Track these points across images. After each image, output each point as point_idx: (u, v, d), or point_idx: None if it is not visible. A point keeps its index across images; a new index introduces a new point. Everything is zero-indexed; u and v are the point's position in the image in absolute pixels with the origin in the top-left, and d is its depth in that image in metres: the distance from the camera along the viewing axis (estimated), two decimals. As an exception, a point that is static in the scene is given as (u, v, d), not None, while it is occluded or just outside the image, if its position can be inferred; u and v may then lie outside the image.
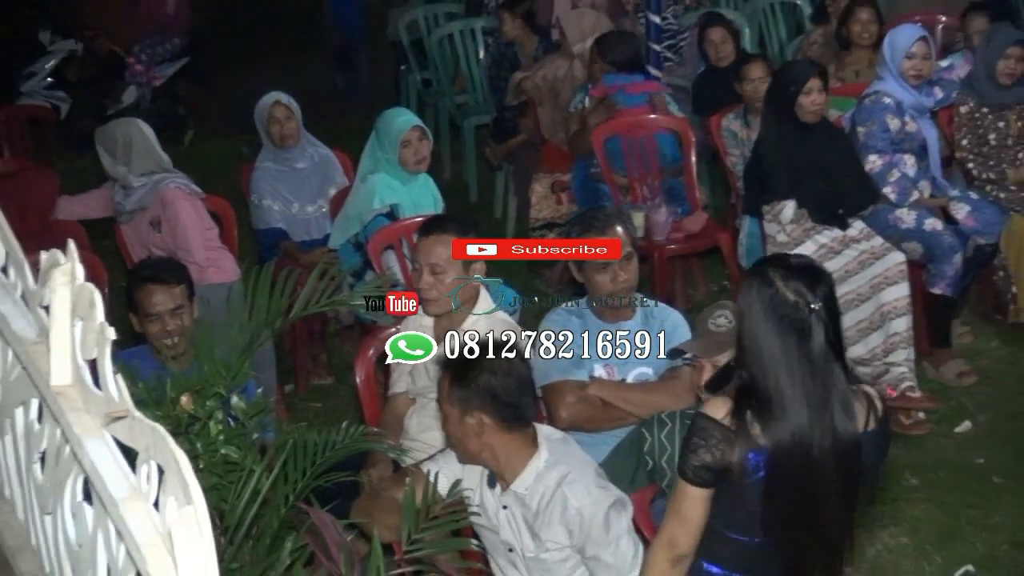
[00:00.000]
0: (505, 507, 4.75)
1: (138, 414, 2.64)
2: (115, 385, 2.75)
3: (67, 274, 2.98)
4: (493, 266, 7.89)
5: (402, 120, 7.68)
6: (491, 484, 4.80)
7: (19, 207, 7.41)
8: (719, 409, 4.07)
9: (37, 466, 3.19)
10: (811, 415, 4.03)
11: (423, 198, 7.65)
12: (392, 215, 7.34)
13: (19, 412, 3.31)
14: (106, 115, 11.52)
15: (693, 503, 4.13)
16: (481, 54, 11.33)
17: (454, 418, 4.64)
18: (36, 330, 3.11)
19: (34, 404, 3.16)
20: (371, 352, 6.04)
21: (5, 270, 3.48)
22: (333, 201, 8.15)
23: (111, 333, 2.80)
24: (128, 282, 6.21)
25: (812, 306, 4.06)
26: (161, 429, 2.52)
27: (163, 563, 2.35)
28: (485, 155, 10.74)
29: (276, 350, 7.27)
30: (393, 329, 6.01)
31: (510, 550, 4.79)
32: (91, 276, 6.96)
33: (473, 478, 4.82)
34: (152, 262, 6.51)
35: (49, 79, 12.98)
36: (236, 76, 9.93)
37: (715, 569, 4.25)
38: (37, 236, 7.40)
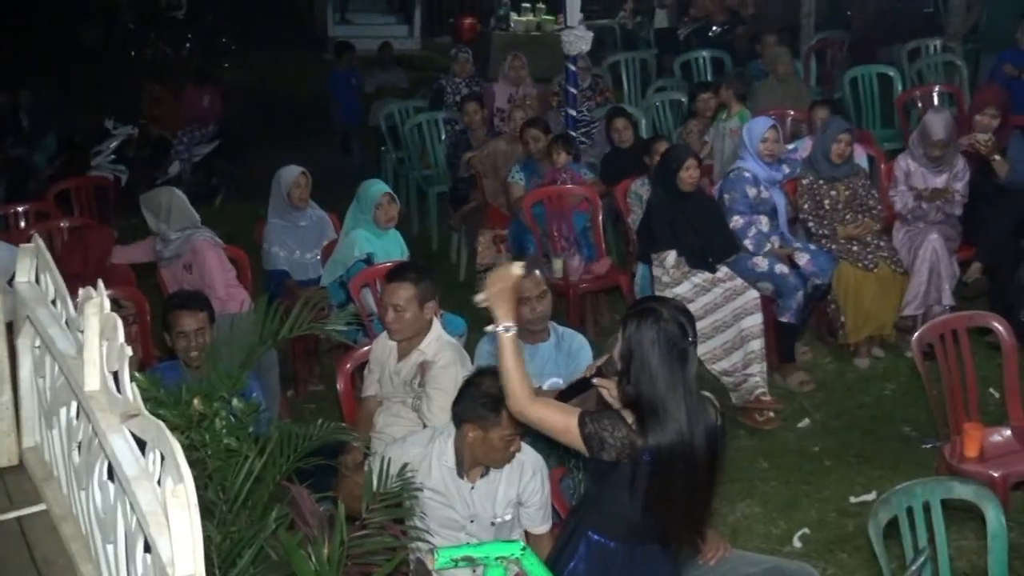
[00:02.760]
0: (473, 487, 4.79)
1: (146, 413, 2.66)
2: (131, 391, 2.76)
3: (97, 306, 2.99)
4: (449, 300, 7.98)
5: (376, 188, 7.75)
6: (459, 474, 4.81)
7: (83, 254, 7.61)
8: (628, 416, 4.13)
9: (76, 452, 3.20)
10: (690, 420, 4.09)
11: (393, 248, 7.68)
12: (369, 261, 7.38)
13: (63, 411, 3.32)
14: (156, 184, 11.49)
15: (568, 427, 4.17)
16: (442, 138, 11.33)
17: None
18: (75, 348, 3.12)
19: (73, 405, 3.18)
20: (348, 365, 6.06)
21: (55, 302, 3.47)
22: (324, 250, 8.14)
23: (128, 351, 2.82)
24: (163, 308, 6.24)
25: (690, 339, 4.13)
26: (163, 425, 2.54)
27: (161, 527, 2.37)
28: (444, 216, 10.75)
29: (280, 364, 7.24)
30: (365, 348, 6.05)
31: (471, 521, 4.81)
32: (138, 308, 7.04)
33: (427, 463, 4.83)
34: (182, 293, 6.58)
35: (112, 156, 12.95)
36: (256, 155, 9.96)
37: (597, 537, 4.27)
38: (95, 277, 7.40)
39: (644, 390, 4.11)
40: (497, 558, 3.38)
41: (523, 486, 4.84)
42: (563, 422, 4.15)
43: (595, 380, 4.42)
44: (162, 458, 2.48)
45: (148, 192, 8.46)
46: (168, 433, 2.45)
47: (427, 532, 4.47)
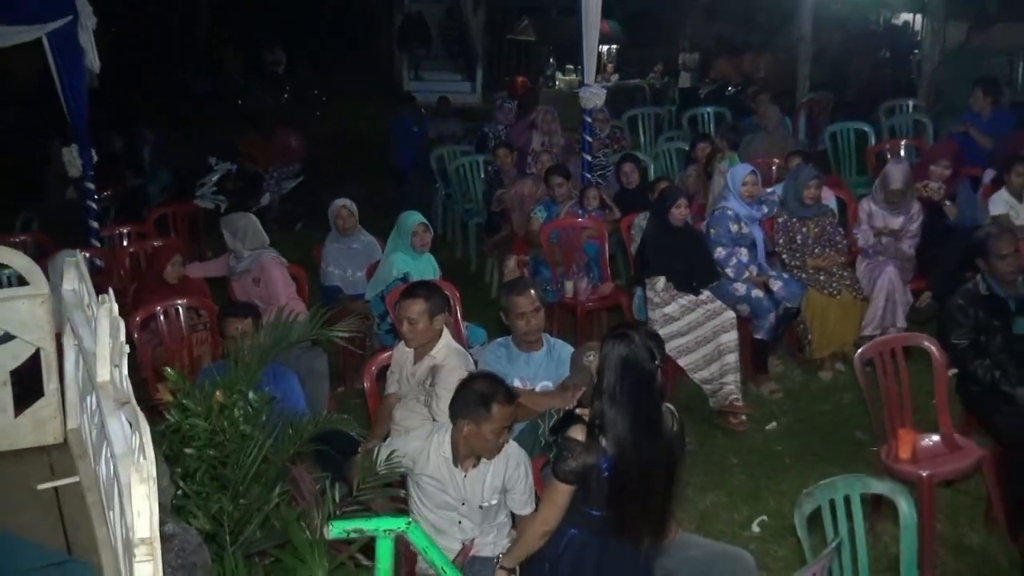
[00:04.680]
0: (465, 475, 4.80)
1: (133, 402, 2.66)
2: (125, 383, 2.77)
3: (107, 310, 3.00)
4: (481, 313, 7.99)
5: (412, 219, 7.80)
6: (454, 463, 4.81)
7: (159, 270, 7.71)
8: (578, 433, 4.19)
9: (95, 431, 3.21)
10: (642, 432, 4.12)
11: (427, 269, 7.71)
12: (405, 280, 7.33)
13: (89, 398, 3.33)
14: (251, 211, 11.69)
15: (561, 495, 4.26)
16: (482, 176, 11.37)
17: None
18: (95, 346, 3.13)
19: (94, 395, 3.19)
20: (373, 368, 6.06)
21: (89, 306, 3.50)
22: (369, 269, 8.17)
23: (127, 348, 2.83)
24: (217, 316, 6.30)
25: (657, 362, 4.14)
26: (139, 411, 2.54)
27: (136, 502, 2.36)
28: (481, 243, 10.78)
29: (331, 366, 7.26)
30: (388, 353, 6.06)
31: (463, 503, 4.81)
32: (210, 315, 7.08)
33: (426, 453, 4.85)
34: (234, 303, 6.65)
35: (214, 187, 13.10)
36: (334, 190, 10.06)
37: (574, 531, 4.30)
38: (175, 288, 7.52)
39: (607, 402, 4.16)
40: (385, 530, 3.35)
41: (508, 475, 4.84)
42: (559, 500, 4.28)
43: (578, 411, 4.44)
44: (138, 439, 2.48)
45: (228, 215, 8.55)
46: (143, 418, 2.45)
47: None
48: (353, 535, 3.37)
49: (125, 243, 9.60)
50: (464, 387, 4.80)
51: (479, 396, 4.67)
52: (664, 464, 4.22)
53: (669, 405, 4.40)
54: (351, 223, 8.51)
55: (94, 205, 8.73)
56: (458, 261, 10.74)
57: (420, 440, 4.93)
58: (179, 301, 7.27)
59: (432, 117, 15.50)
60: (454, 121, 15.47)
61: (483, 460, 4.78)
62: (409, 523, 3.43)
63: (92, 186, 8.53)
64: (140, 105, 16.61)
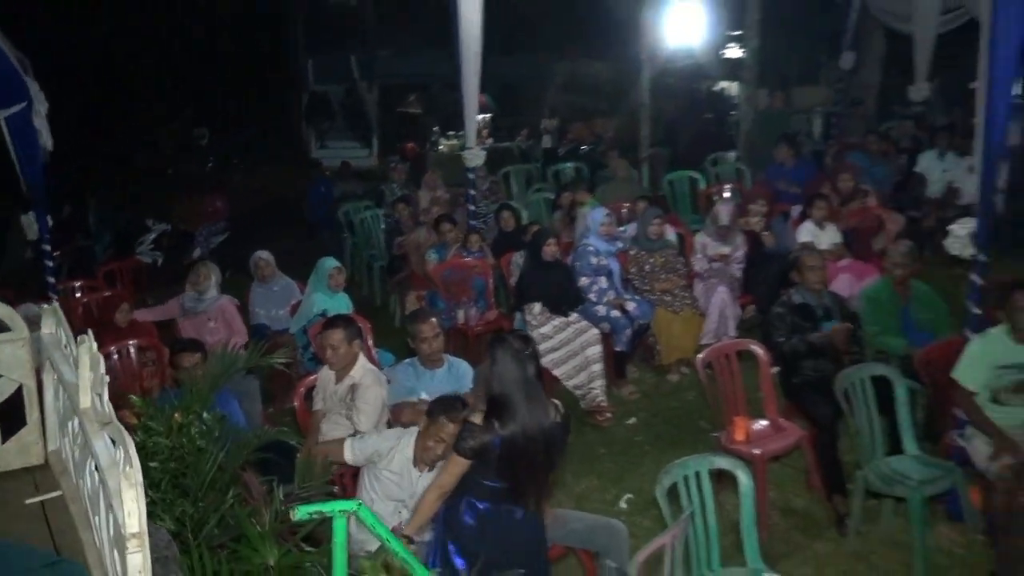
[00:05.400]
0: (420, 475, 4.89)
1: (116, 421, 2.68)
2: (107, 406, 2.79)
3: (88, 348, 3.01)
4: (387, 340, 8.00)
5: (328, 263, 7.85)
6: (414, 464, 4.91)
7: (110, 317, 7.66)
8: (476, 417, 4.23)
9: (77, 450, 3.21)
10: (532, 414, 4.18)
11: (341, 305, 7.74)
12: (324, 315, 7.34)
13: (69, 423, 3.33)
14: (183, 265, 11.55)
15: (458, 466, 4.29)
16: (382, 227, 11.37)
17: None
18: (76, 378, 3.14)
19: (76, 419, 3.19)
20: (302, 389, 6.08)
21: (67, 346, 3.49)
22: (292, 307, 8.16)
23: (107, 379, 2.85)
24: (171, 350, 6.25)
25: (526, 351, 4.24)
26: (123, 429, 2.57)
27: (127, 503, 2.39)
28: (384, 282, 10.79)
29: (263, 390, 7.20)
30: (314, 376, 6.07)
31: (411, 497, 4.86)
32: (158, 353, 6.99)
33: (393, 452, 4.98)
34: (184, 340, 6.59)
35: (152, 245, 12.91)
36: (256, 242, 9.95)
37: (474, 501, 4.32)
38: (125, 331, 7.42)
39: (497, 388, 4.24)
40: (340, 511, 3.42)
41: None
42: (455, 471, 4.31)
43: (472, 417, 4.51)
44: (123, 452, 2.51)
45: (197, 264, 8.55)
46: (126, 434, 2.49)
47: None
48: (315, 516, 3.41)
49: (78, 295, 9.43)
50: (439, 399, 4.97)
51: (433, 407, 4.84)
52: (545, 441, 4.26)
53: (556, 401, 4.51)
54: (268, 271, 8.53)
55: (50, 263, 8.59)
56: (366, 298, 10.69)
57: (391, 441, 5.01)
58: (130, 342, 7.21)
59: (336, 179, 15.51)
60: (355, 182, 15.48)
61: (438, 465, 4.79)
62: (360, 504, 3.48)
63: (48, 247, 8.39)
64: (87, 176, 16.25)
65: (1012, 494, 5.12)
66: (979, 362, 5.39)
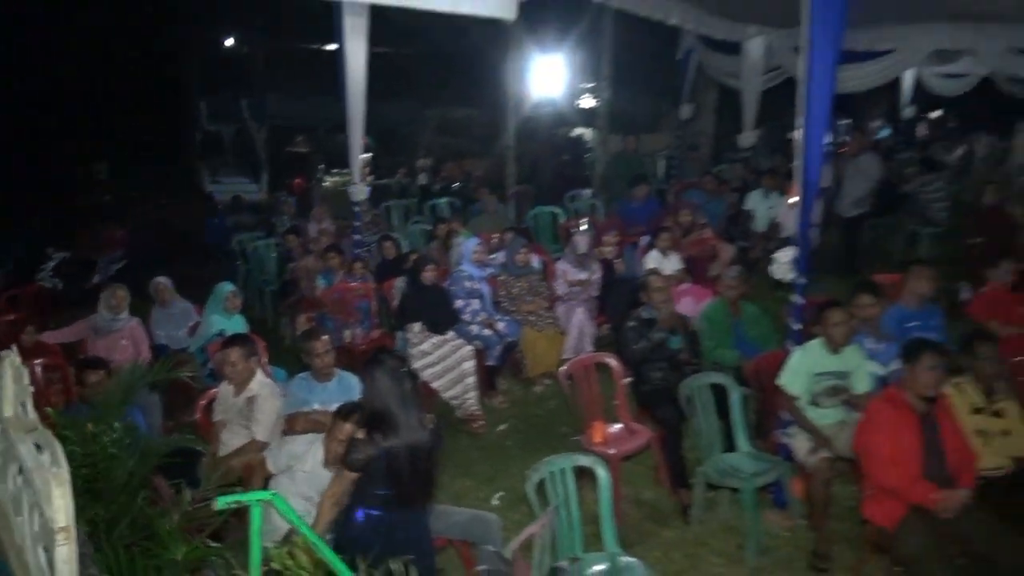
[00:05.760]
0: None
1: (41, 427, 2.66)
2: (32, 414, 2.76)
3: (12, 362, 2.97)
4: (279, 358, 7.90)
5: (225, 288, 7.76)
6: (325, 464, 4.91)
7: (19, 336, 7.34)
8: (360, 433, 4.22)
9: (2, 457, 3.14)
10: (410, 426, 4.21)
11: (237, 326, 7.65)
12: (222, 335, 7.26)
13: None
14: (84, 291, 11.16)
15: (347, 478, 4.27)
16: (273, 255, 11.23)
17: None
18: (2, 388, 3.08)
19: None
20: (203, 402, 5.98)
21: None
22: (191, 328, 8.01)
23: (31, 389, 2.82)
24: (76, 368, 6.08)
25: (403, 369, 4.26)
26: (50, 433, 2.55)
27: (48, 498, 2.38)
28: (276, 306, 10.63)
29: (164, 404, 7.03)
30: (215, 390, 6.00)
31: (317, 494, 4.81)
32: (63, 371, 6.77)
33: (309, 454, 5.05)
34: (89, 358, 6.39)
35: (52, 272, 12.43)
36: (154, 270, 9.68)
37: (365, 510, 4.27)
38: (30, 351, 7.17)
39: (377, 405, 4.25)
40: (257, 500, 3.43)
41: None
42: (344, 482, 4.28)
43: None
44: (51, 455, 2.50)
45: (114, 287, 8.27)
46: (53, 438, 2.47)
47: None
48: (234, 505, 3.39)
49: (-17, 319, 9.06)
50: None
51: (335, 413, 4.85)
52: (423, 449, 4.25)
53: (430, 415, 4.54)
54: (167, 295, 8.35)
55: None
56: (259, 319, 10.51)
57: (304, 445, 5.07)
58: (37, 361, 6.98)
59: (229, 211, 15.26)
60: (247, 214, 15.26)
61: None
62: (274, 494, 3.48)
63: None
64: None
65: (827, 484, 5.44)
66: (800, 370, 5.62)
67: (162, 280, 8.37)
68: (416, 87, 21.82)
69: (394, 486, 4.24)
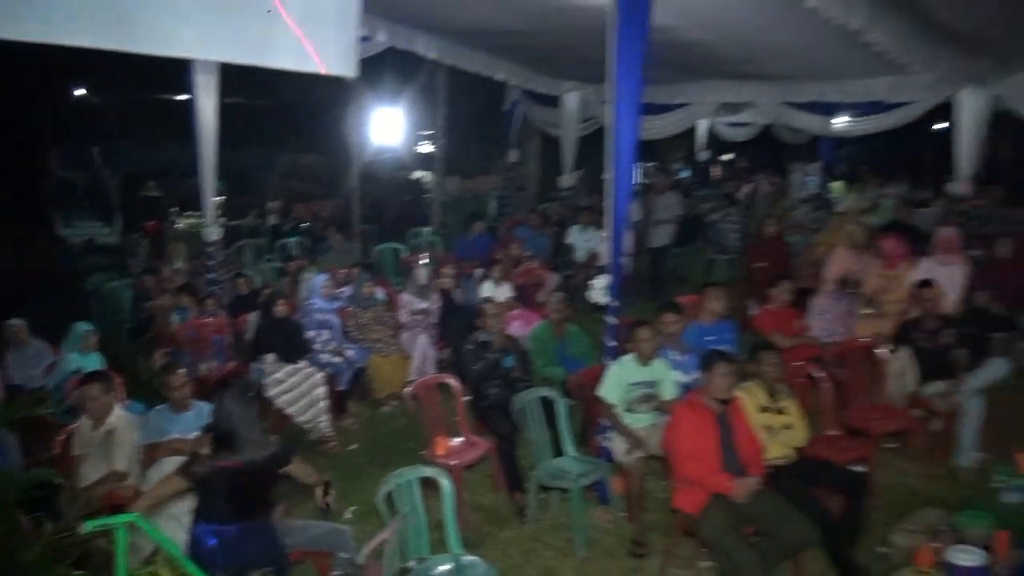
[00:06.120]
0: None
1: None
2: None
3: None
4: (136, 392, 7.52)
5: (81, 327, 7.48)
6: None
7: None
8: (205, 448, 4.12)
9: None
10: (255, 443, 4.13)
11: (94, 364, 7.32)
12: (78, 373, 6.89)
13: None
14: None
15: (173, 484, 4.12)
16: (129, 294, 10.75)
17: None
18: None
19: None
20: (62, 437, 5.65)
21: None
22: (47, 367, 7.58)
23: None
24: None
25: (249, 392, 4.19)
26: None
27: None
28: (133, 342, 10.08)
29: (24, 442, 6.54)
30: (76, 424, 5.68)
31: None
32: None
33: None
34: None
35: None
36: (5, 313, 9.11)
37: (210, 525, 4.14)
38: None
39: (223, 425, 4.15)
40: (123, 523, 3.31)
41: None
42: (172, 485, 4.12)
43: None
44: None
45: None
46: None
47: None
48: (101, 528, 3.24)
49: None
50: None
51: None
52: (265, 465, 4.18)
53: (275, 436, 4.46)
54: (21, 336, 7.86)
55: None
56: (115, 356, 9.94)
57: (173, 466, 4.71)
58: None
59: (82, 254, 14.51)
60: (101, 256, 14.55)
61: None
62: (138, 516, 3.35)
63: None
64: None
65: (642, 480, 5.66)
66: (615, 382, 5.83)
67: (16, 322, 7.86)
68: (266, 135, 21.36)
69: (237, 499, 4.15)
